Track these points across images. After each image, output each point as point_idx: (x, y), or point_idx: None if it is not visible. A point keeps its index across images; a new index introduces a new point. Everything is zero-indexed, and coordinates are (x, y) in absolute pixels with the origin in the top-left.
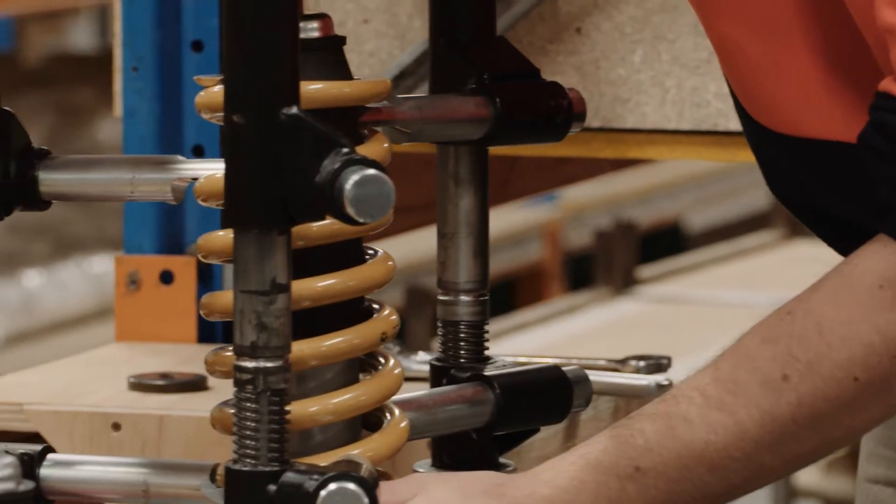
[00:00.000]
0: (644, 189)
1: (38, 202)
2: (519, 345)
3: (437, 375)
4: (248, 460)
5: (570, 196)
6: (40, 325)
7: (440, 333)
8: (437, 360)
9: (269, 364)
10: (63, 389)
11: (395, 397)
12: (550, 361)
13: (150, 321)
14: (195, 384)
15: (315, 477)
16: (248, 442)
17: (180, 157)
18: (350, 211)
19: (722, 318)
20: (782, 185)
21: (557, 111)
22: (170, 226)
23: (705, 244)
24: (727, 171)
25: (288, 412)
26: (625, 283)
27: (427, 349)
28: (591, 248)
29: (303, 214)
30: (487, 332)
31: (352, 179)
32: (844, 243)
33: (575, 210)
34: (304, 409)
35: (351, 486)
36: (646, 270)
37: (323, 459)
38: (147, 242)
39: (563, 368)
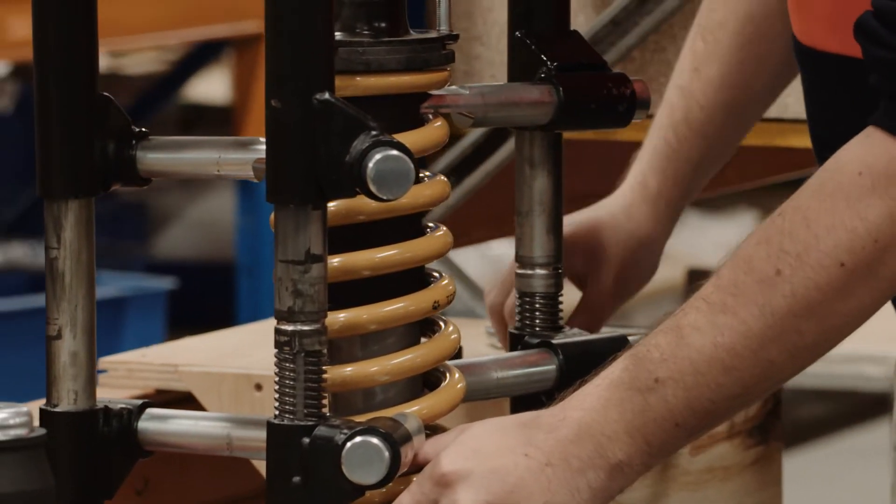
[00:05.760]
0: None
1: (137, 179)
2: None
3: (514, 342)
4: (287, 415)
5: None
6: None
7: (517, 304)
8: (515, 328)
9: (305, 328)
10: (222, 353)
11: (462, 361)
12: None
13: None
14: None
15: (344, 431)
16: (287, 398)
17: (262, 139)
18: (372, 188)
19: None
20: (824, 119)
21: (620, 99)
22: None
23: None
24: None
25: (324, 371)
26: None
27: None
28: None
29: (334, 191)
30: (561, 303)
31: (374, 159)
32: None
33: None
34: (364, 370)
35: (375, 440)
36: None
37: (381, 416)
38: None
39: (630, 338)
